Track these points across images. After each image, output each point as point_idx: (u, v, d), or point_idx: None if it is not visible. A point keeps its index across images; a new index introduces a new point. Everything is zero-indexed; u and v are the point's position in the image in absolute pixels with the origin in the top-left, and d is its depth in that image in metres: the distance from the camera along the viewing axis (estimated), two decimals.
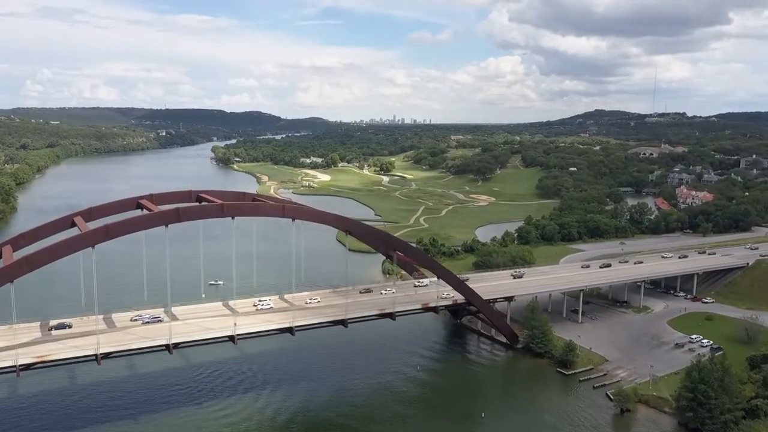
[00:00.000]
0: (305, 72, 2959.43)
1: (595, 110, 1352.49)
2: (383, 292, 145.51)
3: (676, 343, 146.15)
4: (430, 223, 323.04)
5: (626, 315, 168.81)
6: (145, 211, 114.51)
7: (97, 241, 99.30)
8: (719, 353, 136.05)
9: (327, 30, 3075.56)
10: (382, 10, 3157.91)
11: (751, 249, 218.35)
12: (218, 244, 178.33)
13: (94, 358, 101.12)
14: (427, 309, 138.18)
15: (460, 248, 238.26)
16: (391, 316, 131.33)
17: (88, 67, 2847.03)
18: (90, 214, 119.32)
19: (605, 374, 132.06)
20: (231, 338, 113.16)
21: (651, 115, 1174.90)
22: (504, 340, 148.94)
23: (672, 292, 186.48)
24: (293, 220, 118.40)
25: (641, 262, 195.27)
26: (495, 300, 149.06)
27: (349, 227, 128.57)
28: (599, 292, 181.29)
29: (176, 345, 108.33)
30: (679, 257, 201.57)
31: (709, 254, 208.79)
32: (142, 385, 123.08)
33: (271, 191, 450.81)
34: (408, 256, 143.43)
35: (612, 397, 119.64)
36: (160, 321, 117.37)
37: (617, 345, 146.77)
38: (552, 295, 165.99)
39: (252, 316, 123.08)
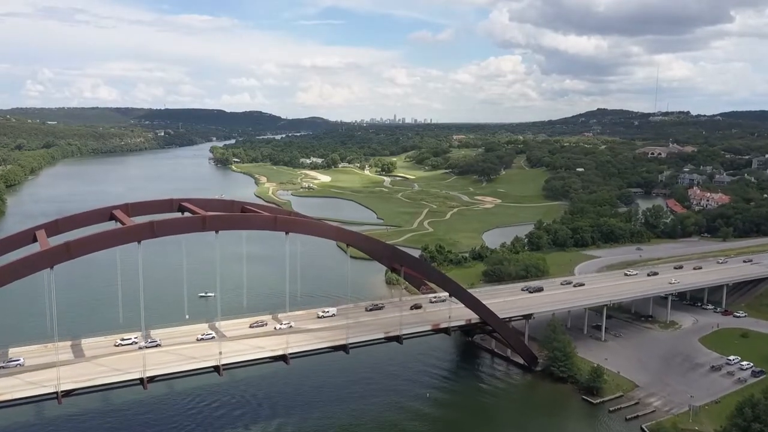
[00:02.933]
0: (306, 72, 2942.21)
1: (598, 109, 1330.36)
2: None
3: (712, 366, 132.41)
4: (435, 226, 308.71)
5: (652, 331, 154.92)
6: (118, 224, 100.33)
7: (55, 261, 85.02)
8: (762, 377, 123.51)
9: (328, 30, 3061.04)
10: (382, 10, 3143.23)
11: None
12: (213, 248, 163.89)
13: (54, 396, 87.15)
14: (438, 330, 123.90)
15: (467, 255, 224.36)
16: (397, 339, 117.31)
17: (88, 66, 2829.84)
18: (57, 226, 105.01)
19: (637, 403, 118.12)
20: (216, 369, 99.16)
21: (655, 114, 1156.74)
22: (521, 361, 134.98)
23: (699, 304, 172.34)
24: (287, 233, 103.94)
25: (582, 284, 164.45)
26: (511, 318, 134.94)
27: (350, 240, 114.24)
28: (621, 305, 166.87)
29: (152, 378, 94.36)
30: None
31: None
32: (116, 421, 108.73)
33: (270, 193, 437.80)
34: (416, 271, 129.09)
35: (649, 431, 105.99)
36: (21, 365, 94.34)
37: (647, 367, 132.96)
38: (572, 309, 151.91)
39: (241, 342, 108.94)
